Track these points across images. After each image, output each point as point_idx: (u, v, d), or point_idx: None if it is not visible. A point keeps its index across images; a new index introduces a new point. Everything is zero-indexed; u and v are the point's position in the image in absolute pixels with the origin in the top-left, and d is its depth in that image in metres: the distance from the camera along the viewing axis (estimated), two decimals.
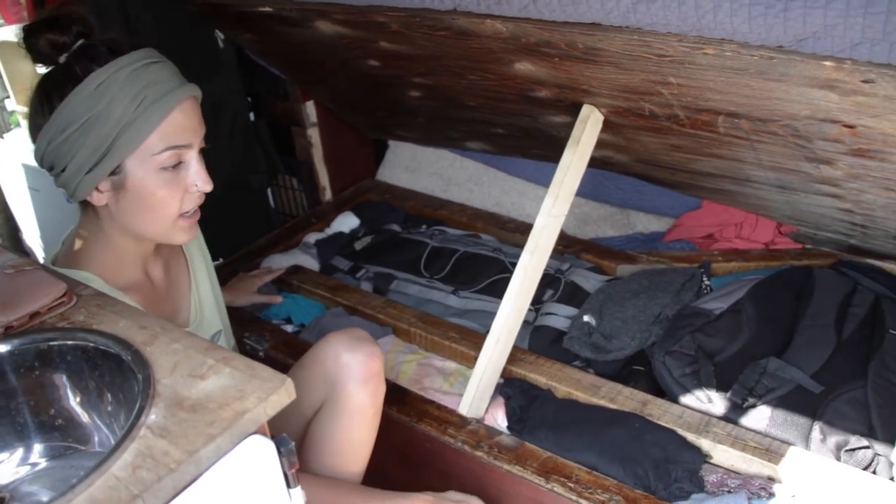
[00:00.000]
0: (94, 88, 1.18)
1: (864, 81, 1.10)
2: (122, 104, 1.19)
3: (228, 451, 0.82)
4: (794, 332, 1.79)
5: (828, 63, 1.10)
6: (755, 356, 1.72)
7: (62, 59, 1.22)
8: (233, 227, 2.48)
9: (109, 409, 0.97)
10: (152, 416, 0.84)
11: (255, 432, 0.85)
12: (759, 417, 1.59)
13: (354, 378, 1.44)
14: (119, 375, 0.95)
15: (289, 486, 0.90)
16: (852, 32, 1.01)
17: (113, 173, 1.23)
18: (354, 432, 1.47)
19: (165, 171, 1.26)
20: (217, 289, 1.62)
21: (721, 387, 1.66)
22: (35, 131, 1.25)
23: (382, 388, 1.49)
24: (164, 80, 1.23)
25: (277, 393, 0.86)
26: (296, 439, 1.52)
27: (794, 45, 1.10)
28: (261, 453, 0.85)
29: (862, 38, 1.01)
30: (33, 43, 1.22)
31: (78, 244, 1.33)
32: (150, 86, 1.21)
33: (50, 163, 1.25)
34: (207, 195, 1.34)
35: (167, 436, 0.81)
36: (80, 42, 1.23)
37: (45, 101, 1.22)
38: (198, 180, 1.29)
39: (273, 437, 0.88)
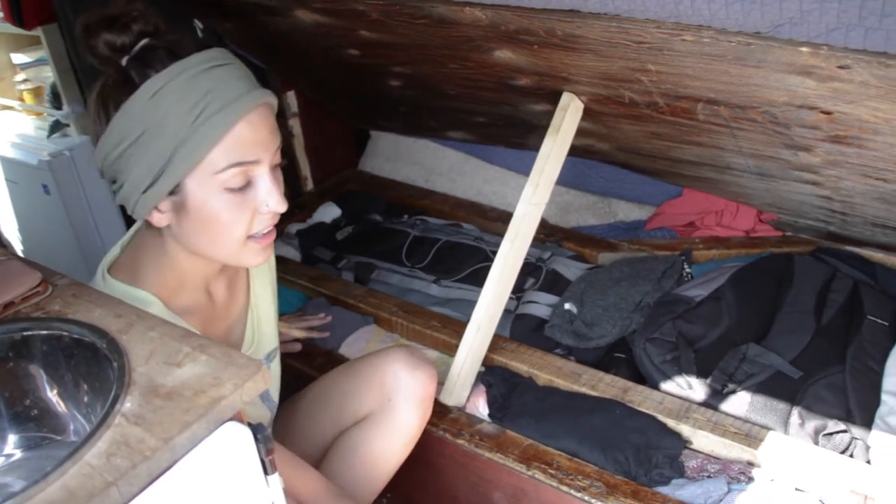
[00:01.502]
0: (149, 98, 1.04)
1: (840, 67, 1.11)
2: (178, 116, 1.04)
3: (204, 437, 0.81)
4: (773, 318, 1.81)
5: (804, 49, 1.10)
6: (735, 342, 1.73)
7: (124, 62, 1.08)
8: None
9: (86, 398, 0.96)
10: (127, 404, 0.83)
11: (231, 419, 0.84)
12: (739, 403, 1.60)
13: (410, 398, 1.44)
14: (95, 364, 0.94)
15: (266, 472, 0.90)
16: (828, 18, 1.01)
17: (172, 192, 1.10)
18: (394, 449, 1.47)
19: (231, 192, 1.10)
20: (276, 303, 1.48)
21: (701, 373, 1.67)
22: (94, 140, 1.12)
23: (430, 411, 1.49)
24: (228, 86, 1.07)
25: (253, 379, 0.86)
26: (322, 443, 1.52)
27: (770, 31, 1.10)
28: (237, 440, 0.85)
29: (837, 24, 1.01)
30: (92, 45, 1.07)
31: (138, 259, 1.21)
32: (211, 93, 1.05)
33: (110, 177, 1.13)
34: None
35: (142, 423, 0.80)
36: (142, 43, 1.08)
37: (101, 110, 1.09)
38: (270, 200, 1.14)
39: (249, 424, 0.87)
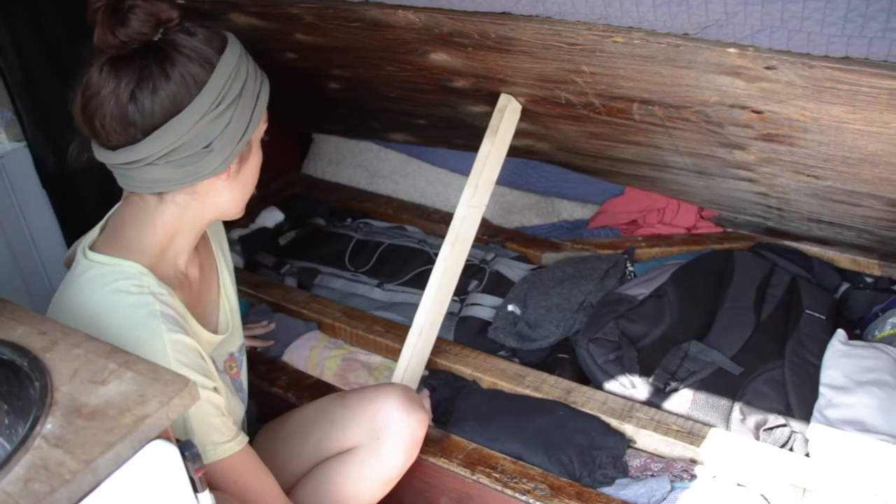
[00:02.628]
0: (238, 58, 1.16)
1: (767, 68, 1.12)
2: (253, 72, 1.20)
3: (129, 458, 0.79)
4: (715, 315, 1.83)
5: (731, 50, 1.11)
6: (678, 340, 1.75)
7: (157, 35, 1.12)
8: None
9: (6, 420, 0.93)
10: (48, 426, 0.81)
11: (157, 437, 0.82)
12: (682, 401, 1.61)
13: (399, 440, 1.42)
14: (16, 384, 0.91)
15: (196, 490, 0.88)
16: (752, 20, 1.02)
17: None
18: (372, 488, 1.44)
19: (262, 141, 1.29)
20: (237, 298, 1.50)
21: (644, 372, 1.68)
22: (152, 116, 1.11)
23: (415, 457, 1.47)
24: None
25: (180, 396, 0.84)
26: (300, 468, 1.49)
27: (698, 33, 1.11)
28: (163, 459, 0.83)
29: (762, 26, 1.02)
30: (140, 11, 1.09)
31: (124, 231, 1.23)
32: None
33: (186, 141, 1.13)
34: None
35: (63, 445, 0.78)
36: (177, 19, 1.14)
37: (189, 75, 1.11)
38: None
39: (178, 442, 0.85)
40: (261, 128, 1.25)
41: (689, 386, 1.63)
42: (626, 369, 1.68)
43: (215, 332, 1.36)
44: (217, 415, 1.18)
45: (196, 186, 1.20)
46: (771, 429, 1.53)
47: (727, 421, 1.57)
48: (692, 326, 1.80)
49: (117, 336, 1.07)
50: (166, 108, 1.11)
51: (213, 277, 1.42)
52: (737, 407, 1.58)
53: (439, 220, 2.46)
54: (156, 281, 1.18)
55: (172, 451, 0.84)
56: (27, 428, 0.80)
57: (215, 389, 1.20)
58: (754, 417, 1.55)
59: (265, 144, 1.31)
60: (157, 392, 0.84)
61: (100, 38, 1.10)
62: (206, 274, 1.40)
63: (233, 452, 1.20)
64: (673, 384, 1.64)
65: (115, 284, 1.15)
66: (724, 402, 1.60)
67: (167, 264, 1.25)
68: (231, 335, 1.42)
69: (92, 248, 1.21)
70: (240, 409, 1.38)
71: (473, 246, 1.73)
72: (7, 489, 0.73)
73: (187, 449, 0.85)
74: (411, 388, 1.51)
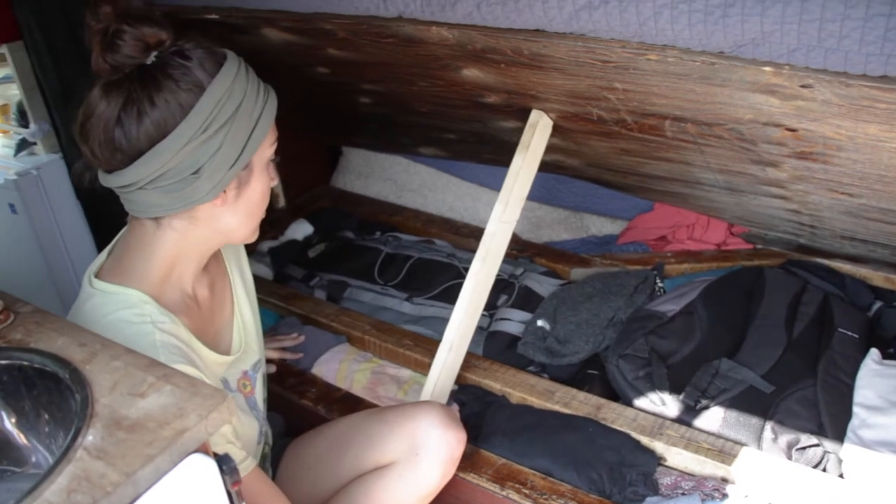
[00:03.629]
0: (232, 81, 1.14)
1: (803, 86, 1.12)
2: (252, 96, 1.17)
3: (168, 471, 0.80)
4: (745, 332, 1.81)
5: (767, 68, 1.11)
6: (708, 357, 1.74)
7: (150, 58, 1.13)
8: None
9: (47, 429, 0.94)
10: (89, 438, 0.82)
11: (195, 451, 0.83)
12: (712, 419, 1.60)
13: (438, 456, 1.42)
14: (57, 395, 0.92)
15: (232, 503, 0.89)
16: (789, 39, 1.02)
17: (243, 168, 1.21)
18: (408, 503, 1.44)
19: (270, 164, 1.27)
20: (258, 315, 1.50)
21: (674, 389, 1.67)
22: (138, 141, 1.12)
23: (452, 474, 1.47)
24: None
25: (219, 410, 0.85)
26: (335, 483, 1.49)
27: (734, 51, 1.11)
28: (202, 472, 0.83)
29: (798, 45, 1.02)
30: (121, 41, 1.10)
31: (124, 260, 1.23)
32: (259, 79, 1.22)
33: (172, 167, 1.13)
34: None
35: (104, 457, 0.79)
36: (168, 42, 1.15)
37: (169, 101, 1.11)
38: (274, 175, 1.30)
39: (215, 455, 0.86)
40: (264, 150, 1.23)
41: (720, 404, 1.62)
42: (656, 386, 1.68)
43: (227, 352, 1.36)
44: (223, 443, 1.16)
45: (193, 212, 1.20)
46: (803, 448, 1.52)
47: (759, 440, 1.55)
48: (722, 343, 1.79)
49: None
50: (151, 133, 1.11)
51: (225, 296, 1.42)
52: (768, 426, 1.57)
53: (468, 235, 2.46)
54: (158, 308, 1.18)
55: (210, 465, 0.85)
56: (69, 439, 0.81)
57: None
58: (786, 437, 1.54)
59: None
60: (195, 406, 0.85)
61: (95, 64, 1.13)
62: (218, 293, 1.39)
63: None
64: (703, 402, 1.63)
65: (116, 314, 1.16)
66: (755, 421, 1.58)
67: (171, 289, 1.25)
68: (244, 353, 1.41)
69: (98, 274, 1.22)
70: (253, 429, 1.38)
71: (503, 260, 1.73)
72: (51, 499, 0.74)
73: (225, 463, 0.86)
74: (448, 407, 1.50)
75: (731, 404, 1.62)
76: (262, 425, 1.44)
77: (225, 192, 1.19)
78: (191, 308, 1.28)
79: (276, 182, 1.30)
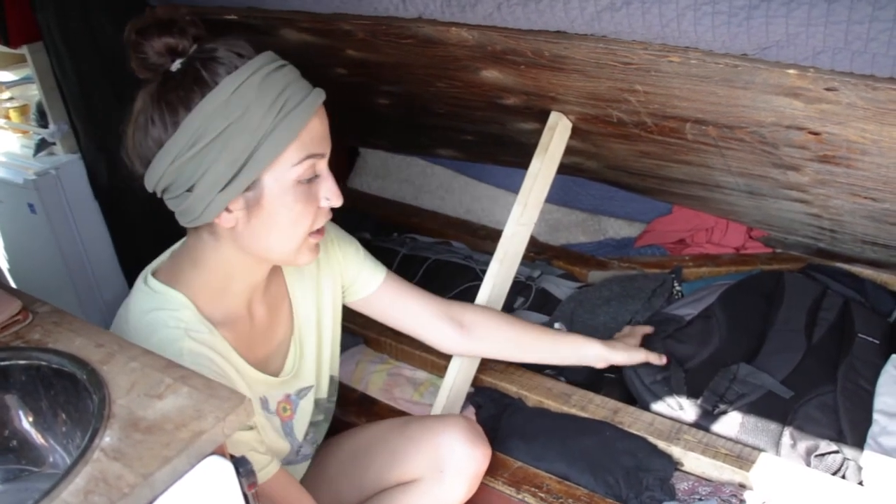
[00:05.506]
0: (228, 95, 1.06)
1: (828, 89, 1.10)
2: (260, 111, 1.07)
3: (185, 473, 0.80)
4: (764, 337, 1.80)
5: (791, 71, 1.10)
6: (726, 362, 1.72)
7: (175, 65, 1.10)
8: None
9: (64, 429, 0.94)
10: (107, 439, 0.81)
11: (212, 453, 0.83)
12: (730, 424, 1.59)
13: (463, 473, 1.41)
14: (74, 395, 0.92)
15: None
16: (814, 41, 1.01)
17: (247, 189, 1.11)
18: None
19: (301, 185, 1.14)
20: (330, 346, 1.47)
21: (692, 393, 1.65)
22: (148, 150, 1.11)
23: (476, 489, 1.46)
24: (299, 83, 1.12)
25: (236, 412, 0.84)
26: (358, 495, 1.49)
27: (757, 54, 1.10)
28: (218, 474, 0.83)
29: (824, 47, 1.01)
30: (144, 49, 1.09)
31: (181, 263, 1.23)
32: (287, 90, 1.09)
33: (170, 182, 1.11)
34: None
35: (121, 458, 0.79)
36: (195, 46, 1.11)
37: (166, 113, 1.08)
38: (329, 194, 1.18)
39: (232, 458, 0.86)
40: (283, 170, 1.12)
41: (738, 409, 1.61)
42: (673, 390, 1.66)
43: (276, 373, 1.34)
44: (246, 451, 1.13)
45: (212, 228, 1.17)
46: (823, 455, 1.50)
47: (777, 445, 1.54)
48: (741, 348, 1.78)
49: None
50: (150, 145, 1.11)
51: (281, 320, 1.38)
52: (787, 431, 1.55)
53: (485, 237, 2.46)
54: (197, 316, 1.17)
55: (227, 467, 0.84)
56: (87, 440, 0.80)
57: (249, 427, 1.17)
58: (805, 443, 1.53)
59: None
60: (212, 408, 0.85)
61: (134, 69, 1.12)
62: (274, 316, 1.36)
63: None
64: (721, 406, 1.62)
65: (154, 314, 1.16)
66: (773, 427, 1.57)
67: (220, 301, 1.23)
68: (294, 378, 1.38)
69: (154, 272, 1.23)
70: (284, 452, 1.38)
71: (520, 263, 1.72)
72: (68, 500, 0.73)
73: (241, 465, 0.86)
74: (473, 420, 1.49)
75: (750, 409, 1.60)
76: (299, 447, 1.43)
77: (230, 211, 1.13)
78: (240, 324, 1.26)
79: (335, 202, 1.20)
